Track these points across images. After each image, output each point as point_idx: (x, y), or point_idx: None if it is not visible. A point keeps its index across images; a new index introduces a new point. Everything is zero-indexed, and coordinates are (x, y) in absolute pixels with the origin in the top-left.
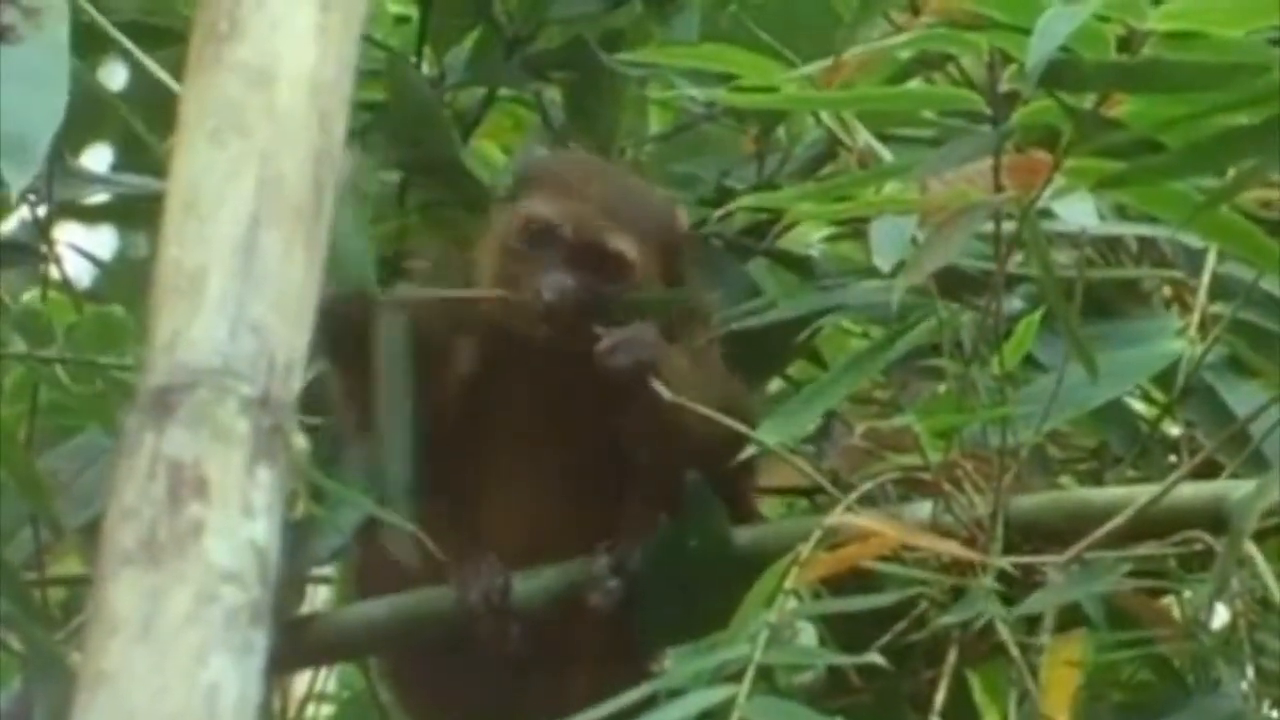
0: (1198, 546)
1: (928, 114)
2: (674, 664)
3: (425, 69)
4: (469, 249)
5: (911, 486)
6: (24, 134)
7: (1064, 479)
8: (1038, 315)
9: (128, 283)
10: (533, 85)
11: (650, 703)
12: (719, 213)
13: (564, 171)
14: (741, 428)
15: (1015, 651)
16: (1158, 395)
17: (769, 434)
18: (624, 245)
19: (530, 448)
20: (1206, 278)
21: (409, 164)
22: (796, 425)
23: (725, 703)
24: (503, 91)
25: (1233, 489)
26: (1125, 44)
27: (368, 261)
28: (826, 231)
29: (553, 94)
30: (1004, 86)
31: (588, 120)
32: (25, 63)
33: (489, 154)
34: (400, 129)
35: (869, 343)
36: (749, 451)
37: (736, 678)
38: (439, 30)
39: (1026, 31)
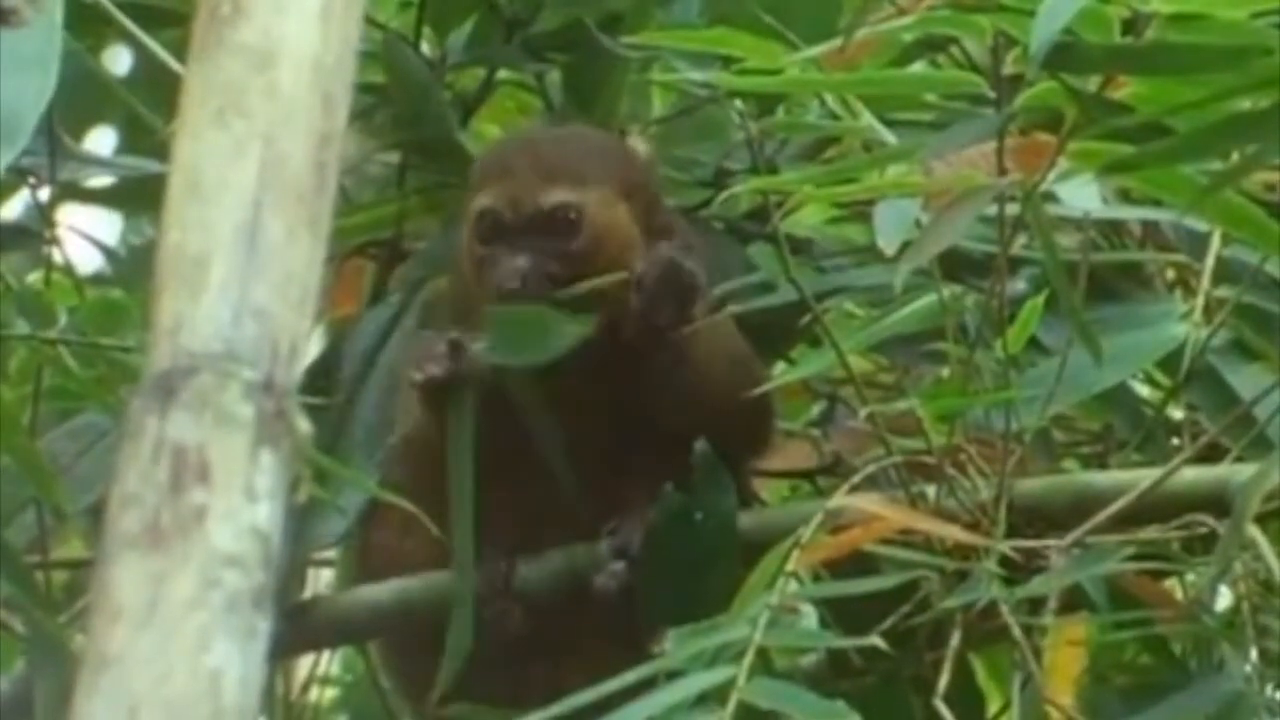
0: (1201, 530)
1: (931, 97)
2: (674, 645)
3: (427, 51)
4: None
5: (915, 470)
6: (13, 112)
7: (1068, 463)
8: (1042, 299)
9: (131, 267)
10: (535, 67)
11: (650, 684)
12: (723, 195)
13: (499, 155)
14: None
15: (1019, 634)
16: (1162, 379)
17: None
18: (562, 195)
19: (534, 431)
20: (1210, 261)
21: (408, 145)
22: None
23: (724, 684)
24: (507, 75)
25: (1236, 472)
26: (1129, 26)
27: None
28: (827, 214)
29: (555, 77)
30: (1008, 69)
31: (586, 102)
32: (17, 42)
33: (492, 137)
34: (399, 111)
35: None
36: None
37: (737, 660)
38: (441, 12)
39: (1030, 14)
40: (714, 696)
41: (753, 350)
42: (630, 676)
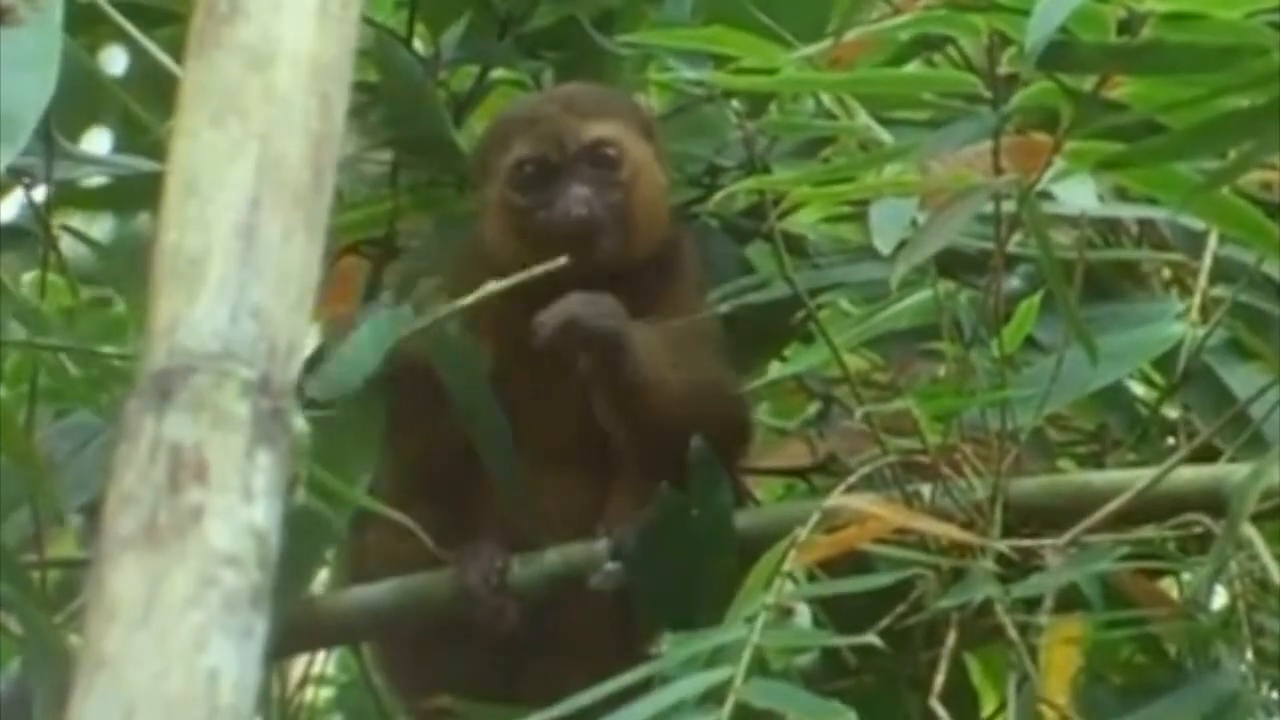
0: (1197, 529)
1: (927, 96)
2: (671, 647)
3: (420, 48)
4: (459, 229)
5: (911, 470)
6: (11, 112)
7: (1063, 462)
8: (1038, 298)
9: (127, 267)
10: (528, 65)
11: (647, 685)
12: (721, 194)
13: (519, 113)
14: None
15: (1014, 634)
16: (1157, 378)
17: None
18: (603, 129)
19: (528, 430)
20: (1207, 260)
21: (401, 144)
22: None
23: (722, 685)
24: (503, 74)
25: (1232, 472)
26: (1125, 26)
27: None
28: (824, 213)
29: (549, 75)
30: (1004, 69)
31: None
32: (15, 41)
33: None
34: (393, 109)
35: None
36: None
37: (734, 660)
38: (434, 10)
39: (1026, 13)
40: (712, 697)
41: (726, 359)
42: (628, 677)
